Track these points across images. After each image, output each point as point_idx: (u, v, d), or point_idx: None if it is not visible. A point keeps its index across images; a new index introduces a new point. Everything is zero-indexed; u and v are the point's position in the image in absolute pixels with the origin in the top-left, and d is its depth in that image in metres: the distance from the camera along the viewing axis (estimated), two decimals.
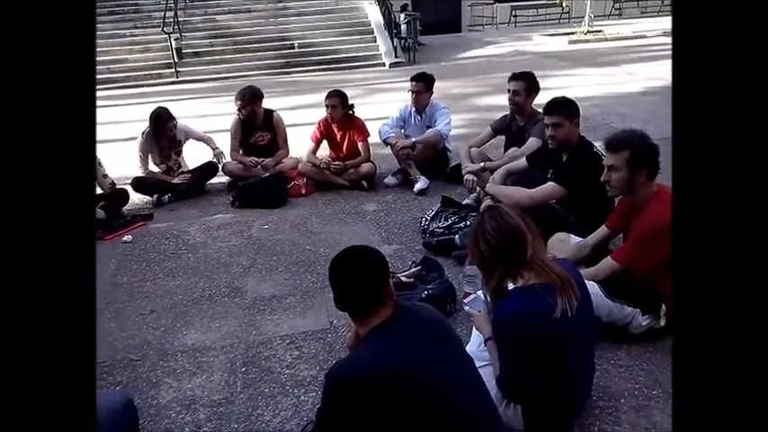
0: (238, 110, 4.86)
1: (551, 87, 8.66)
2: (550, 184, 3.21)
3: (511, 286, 2.05)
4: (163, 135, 4.79)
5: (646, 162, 2.43)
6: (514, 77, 4.12)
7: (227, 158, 4.97)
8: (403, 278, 3.11)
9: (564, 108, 3.26)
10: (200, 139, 5.09)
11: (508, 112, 4.31)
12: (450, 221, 3.85)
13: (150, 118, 4.76)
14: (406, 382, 1.51)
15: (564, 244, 2.86)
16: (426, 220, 3.93)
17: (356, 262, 1.72)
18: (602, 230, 2.78)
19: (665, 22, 17.57)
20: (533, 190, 3.27)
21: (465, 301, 2.77)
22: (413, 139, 4.77)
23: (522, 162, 3.70)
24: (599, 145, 2.96)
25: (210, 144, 5.06)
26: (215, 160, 5.01)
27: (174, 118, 4.80)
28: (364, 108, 6.79)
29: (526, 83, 4.07)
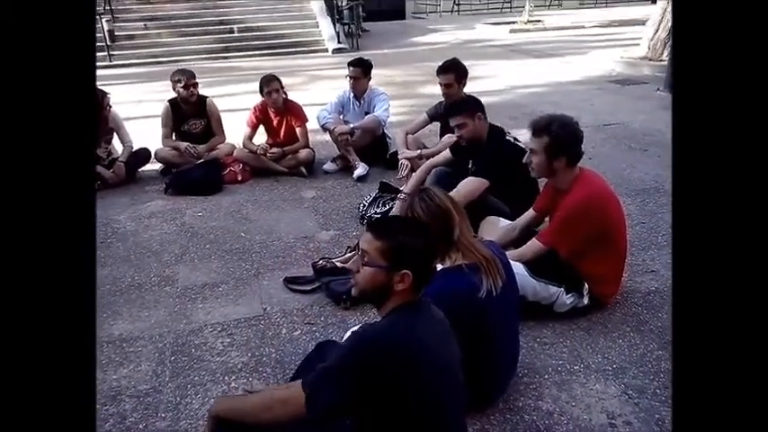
0: (185, 87, 4.64)
1: (491, 75, 8.84)
2: (472, 178, 3.26)
3: (439, 267, 2.09)
4: (101, 117, 4.57)
5: (564, 149, 2.52)
6: (443, 70, 4.12)
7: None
8: (338, 263, 3.12)
9: (463, 107, 3.35)
10: (122, 139, 4.80)
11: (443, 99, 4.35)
12: (387, 207, 3.88)
13: None
14: (423, 363, 1.50)
15: (494, 227, 2.93)
16: (364, 205, 3.95)
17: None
18: (529, 213, 2.86)
19: (603, 13, 18.15)
20: (456, 188, 3.30)
21: None
22: (351, 125, 4.75)
23: (446, 154, 3.74)
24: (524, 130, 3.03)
25: (125, 144, 4.78)
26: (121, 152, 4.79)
27: (106, 94, 4.59)
28: (306, 94, 6.75)
29: (455, 73, 4.10)
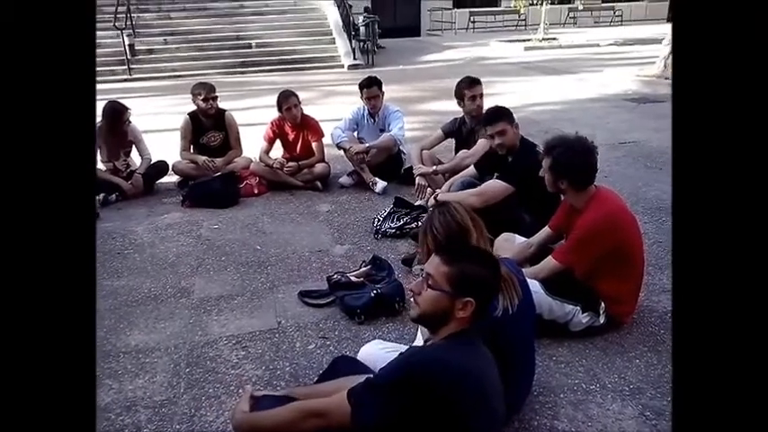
0: (204, 100, 4.73)
1: (506, 92, 8.85)
2: (497, 181, 3.30)
3: None
4: (116, 130, 4.66)
5: (564, 174, 2.55)
6: (476, 82, 4.20)
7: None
8: (353, 278, 3.12)
9: (503, 114, 3.38)
10: (141, 152, 4.89)
11: (460, 116, 4.37)
12: (402, 222, 3.90)
13: (104, 111, 4.64)
14: (472, 391, 1.50)
15: (509, 243, 2.93)
16: (379, 220, 3.97)
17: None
18: (545, 231, 2.85)
19: (618, 32, 18.18)
20: (480, 188, 3.36)
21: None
22: (367, 144, 4.77)
23: (471, 170, 3.78)
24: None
25: (144, 157, 4.88)
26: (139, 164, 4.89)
27: (128, 109, 4.70)
28: (321, 109, 6.79)
29: (482, 86, 4.18)
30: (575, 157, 2.54)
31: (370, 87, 4.78)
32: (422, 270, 2.70)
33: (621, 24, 22.21)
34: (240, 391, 2.36)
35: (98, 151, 4.73)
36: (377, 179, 4.71)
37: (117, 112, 4.63)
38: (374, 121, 4.92)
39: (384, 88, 4.96)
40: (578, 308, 2.55)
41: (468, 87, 4.18)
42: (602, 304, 2.57)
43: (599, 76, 10.45)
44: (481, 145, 4.00)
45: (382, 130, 4.86)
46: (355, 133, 5.00)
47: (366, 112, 4.93)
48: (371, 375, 1.60)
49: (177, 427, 2.19)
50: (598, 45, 15.67)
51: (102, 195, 4.61)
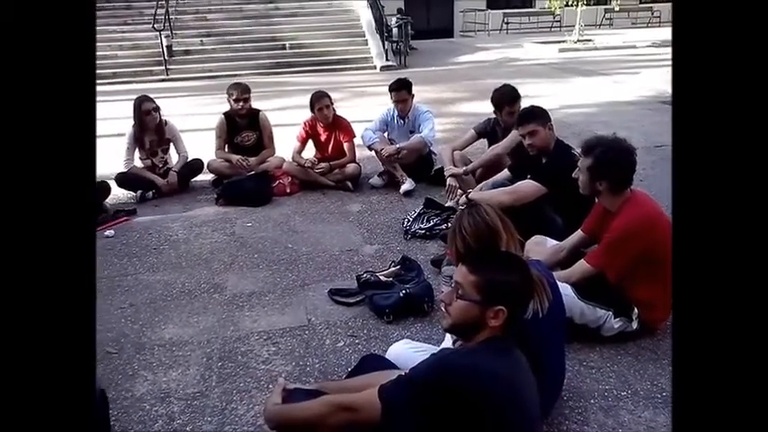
0: (236, 101, 4.81)
1: (540, 94, 8.76)
2: (529, 181, 3.27)
3: None
4: (145, 124, 4.76)
5: (605, 174, 2.51)
6: (519, 96, 4.17)
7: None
8: (382, 277, 3.14)
9: (536, 115, 3.35)
10: (178, 150, 5.01)
11: (493, 116, 4.35)
12: (432, 223, 3.91)
13: (133, 108, 4.76)
14: (501, 397, 1.50)
15: (540, 246, 2.90)
16: (409, 221, 3.98)
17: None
18: (577, 234, 2.82)
19: (655, 33, 17.79)
20: (511, 187, 3.34)
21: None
22: (397, 146, 4.78)
23: (505, 173, 3.76)
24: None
25: (181, 155, 5.00)
26: (176, 162, 5.01)
27: (149, 100, 4.78)
28: (353, 110, 6.83)
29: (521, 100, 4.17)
30: (616, 157, 2.51)
31: (399, 91, 4.80)
32: (450, 278, 2.71)
33: (659, 26, 21.72)
34: (270, 385, 2.40)
35: (135, 148, 4.85)
36: (406, 178, 4.72)
37: (138, 104, 4.73)
38: (404, 122, 4.94)
39: (416, 89, 4.97)
40: (610, 313, 2.51)
41: (509, 104, 4.10)
42: (635, 310, 2.53)
43: (635, 77, 10.25)
44: (512, 136, 3.96)
45: (412, 132, 4.87)
46: (386, 134, 5.02)
47: (396, 113, 4.94)
48: (403, 373, 1.61)
49: (208, 419, 2.24)
50: (635, 47, 15.37)
51: (139, 192, 4.74)
